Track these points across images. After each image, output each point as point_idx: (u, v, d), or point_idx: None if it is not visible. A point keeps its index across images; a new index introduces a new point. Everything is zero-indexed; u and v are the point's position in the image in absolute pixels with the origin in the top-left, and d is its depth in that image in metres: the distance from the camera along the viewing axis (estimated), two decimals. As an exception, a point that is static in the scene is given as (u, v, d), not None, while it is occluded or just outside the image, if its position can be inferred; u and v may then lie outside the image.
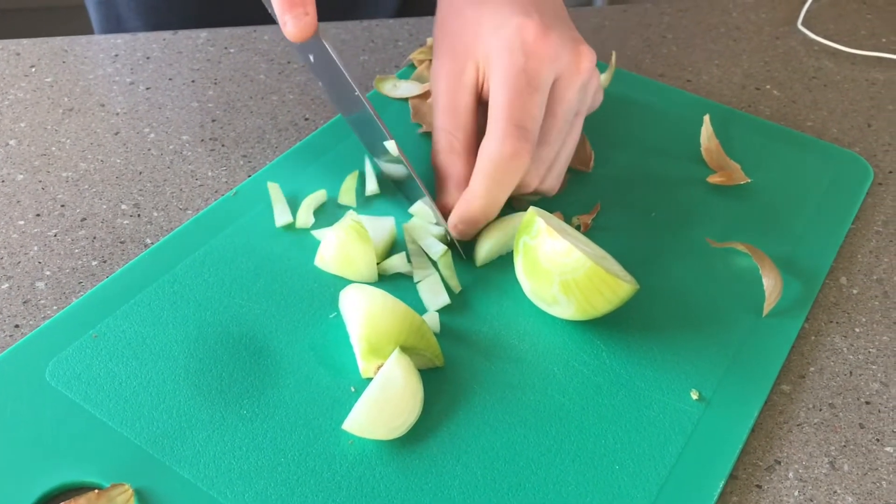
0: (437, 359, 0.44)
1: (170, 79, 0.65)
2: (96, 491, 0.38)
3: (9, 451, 0.40)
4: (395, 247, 0.51)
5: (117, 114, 0.62)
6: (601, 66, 0.66)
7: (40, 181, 0.56)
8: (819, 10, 0.78)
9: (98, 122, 0.61)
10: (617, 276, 0.44)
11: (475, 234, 0.50)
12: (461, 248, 0.51)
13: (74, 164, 0.57)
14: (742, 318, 0.48)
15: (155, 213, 0.54)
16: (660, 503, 0.40)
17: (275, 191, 0.53)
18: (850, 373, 0.47)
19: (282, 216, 0.52)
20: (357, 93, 0.49)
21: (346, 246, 0.48)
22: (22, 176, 0.56)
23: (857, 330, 0.49)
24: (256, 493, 0.39)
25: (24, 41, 0.69)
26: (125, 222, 0.53)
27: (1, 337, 0.46)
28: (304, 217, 0.52)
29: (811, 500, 0.41)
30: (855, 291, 0.51)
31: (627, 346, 0.46)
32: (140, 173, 0.57)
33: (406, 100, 0.63)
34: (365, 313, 0.43)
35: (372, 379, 0.42)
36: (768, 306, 0.48)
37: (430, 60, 0.65)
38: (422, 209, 0.52)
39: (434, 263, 0.50)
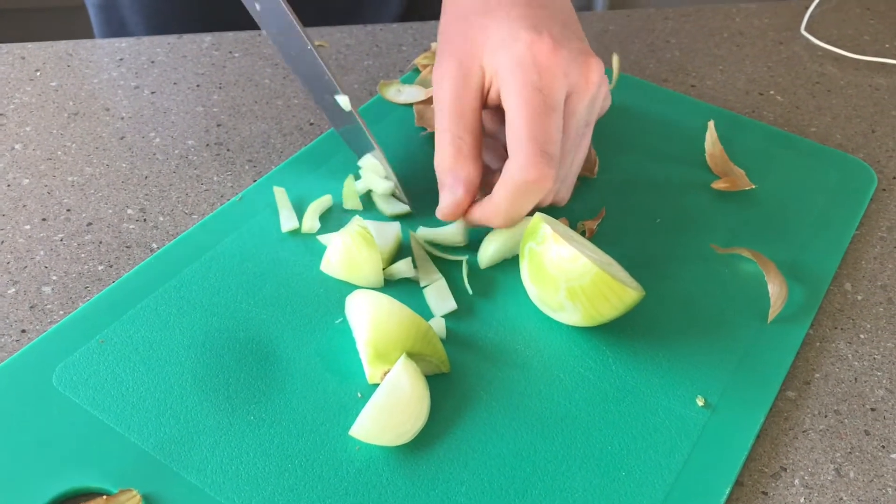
0: (444, 365, 0.45)
1: (175, 83, 0.65)
2: (104, 497, 0.38)
3: (16, 457, 0.40)
4: (400, 252, 0.51)
5: (122, 118, 0.62)
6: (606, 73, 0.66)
7: (46, 185, 0.56)
8: (822, 15, 0.78)
9: (103, 127, 0.61)
10: (623, 283, 0.44)
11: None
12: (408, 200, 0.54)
13: (80, 168, 0.57)
14: (747, 325, 0.48)
15: (161, 218, 0.54)
16: (666, 510, 0.40)
17: (280, 196, 0.53)
18: (856, 379, 0.47)
19: (287, 221, 0.52)
20: (309, 46, 0.49)
21: (352, 251, 0.48)
22: (28, 180, 0.56)
23: (862, 336, 0.49)
24: (264, 498, 0.39)
25: (29, 45, 0.69)
26: (131, 227, 0.53)
27: (8, 342, 0.46)
28: (310, 222, 0.52)
29: (817, 507, 0.41)
30: (860, 298, 0.52)
31: (633, 353, 0.46)
32: (146, 178, 0.57)
33: (410, 105, 0.63)
34: (371, 319, 0.43)
35: (378, 385, 0.42)
36: (773, 312, 0.48)
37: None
38: (371, 162, 0.53)
39: (441, 270, 0.50)
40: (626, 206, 0.56)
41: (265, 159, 0.59)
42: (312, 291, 0.48)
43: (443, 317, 0.48)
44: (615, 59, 0.63)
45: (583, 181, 0.57)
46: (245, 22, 0.72)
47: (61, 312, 0.48)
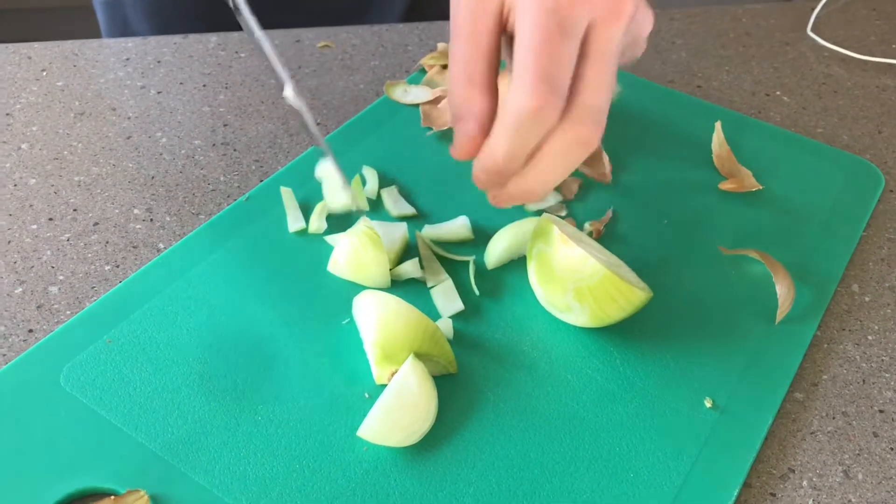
0: (451, 365, 0.45)
1: (181, 83, 0.65)
2: (112, 497, 0.38)
3: (24, 457, 0.40)
4: (407, 252, 0.51)
5: (129, 118, 0.62)
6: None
7: (52, 185, 0.56)
8: (829, 16, 0.78)
9: (110, 127, 0.61)
10: (631, 284, 0.44)
11: (501, 184, 0.45)
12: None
13: (87, 168, 0.57)
14: (755, 326, 0.48)
15: (167, 218, 0.54)
16: (674, 511, 0.40)
17: (287, 196, 0.53)
18: (864, 381, 0.47)
19: (295, 222, 0.52)
20: (256, 35, 0.45)
21: (359, 252, 0.48)
22: (34, 180, 0.56)
23: (870, 338, 0.49)
24: (271, 499, 0.39)
25: (36, 45, 0.69)
26: (138, 227, 0.53)
27: (15, 342, 0.46)
28: (317, 223, 0.52)
29: (825, 509, 0.41)
30: (867, 299, 0.51)
31: (641, 354, 0.46)
32: (152, 178, 0.57)
33: (417, 105, 0.63)
34: (378, 319, 0.43)
35: (386, 385, 0.42)
36: (781, 313, 0.48)
37: (441, 65, 0.65)
38: (327, 172, 0.48)
39: (448, 271, 0.50)
40: (633, 208, 0.55)
41: (272, 159, 0.59)
42: (319, 292, 0.48)
43: (450, 317, 0.48)
44: None
45: (590, 182, 0.57)
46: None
47: (68, 312, 0.48)
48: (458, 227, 0.52)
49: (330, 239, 0.51)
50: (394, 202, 0.54)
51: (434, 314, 0.48)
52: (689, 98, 0.65)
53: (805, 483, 0.42)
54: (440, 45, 0.68)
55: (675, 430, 0.43)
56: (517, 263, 0.51)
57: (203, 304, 0.47)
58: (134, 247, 0.52)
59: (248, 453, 0.41)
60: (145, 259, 0.51)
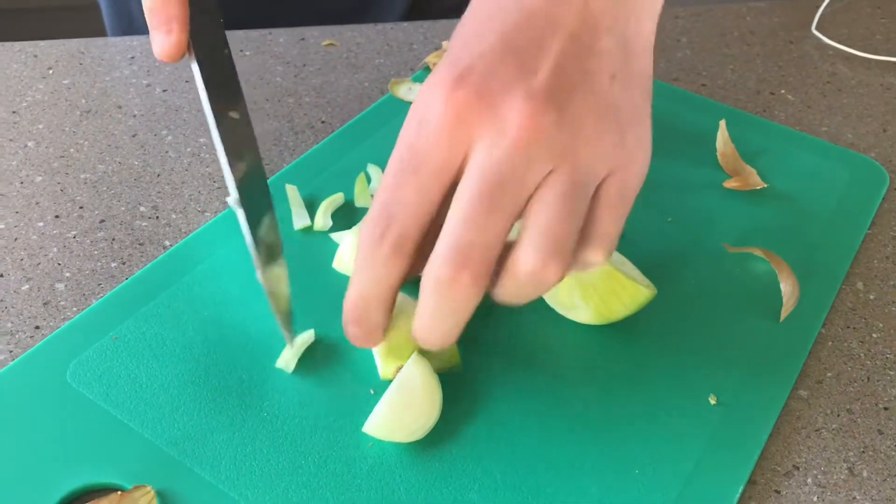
0: (455, 358, 0.45)
1: (186, 81, 0.66)
2: (119, 492, 0.38)
3: (30, 453, 0.40)
4: (412, 250, 0.51)
5: (134, 116, 0.62)
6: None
7: (59, 183, 0.56)
8: (833, 14, 0.78)
9: (115, 125, 0.61)
10: (635, 282, 0.44)
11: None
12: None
13: (93, 165, 0.58)
14: (759, 323, 0.48)
15: (173, 216, 0.54)
16: (679, 508, 0.40)
17: (293, 193, 0.53)
18: (868, 378, 0.47)
19: (300, 219, 0.52)
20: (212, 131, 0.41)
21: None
22: (41, 178, 0.56)
23: (875, 335, 0.49)
24: (277, 495, 0.39)
25: (41, 43, 0.69)
26: (144, 224, 0.53)
27: (22, 338, 0.46)
28: (322, 220, 0.52)
29: (830, 506, 0.41)
30: (872, 297, 0.51)
31: (645, 351, 0.46)
32: (158, 175, 0.57)
33: (422, 103, 0.63)
34: None
35: (391, 381, 0.43)
36: (786, 311, 0.48)
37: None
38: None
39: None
40: (637, 206, 0.55)
41: (277, 157, 0.59)
42: (324, 289, 0.49)
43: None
44: None
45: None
46: (253, 20, 0.73)
47: (75, 309, 0.48)
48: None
49: (335, 236, 0.51)
50: None
51: (439, 311, 0.48)
52: (694, 96, 0.65)
53: (810, 480, 0.42)
54: (445, 44, 0.68)
55: (680, 427, 0.43)
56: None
57: (209, 300, 0.47)
58: (140, 244, 0.52)
59: (254, 449, 0.41)
60: (151, 256, 0.51)
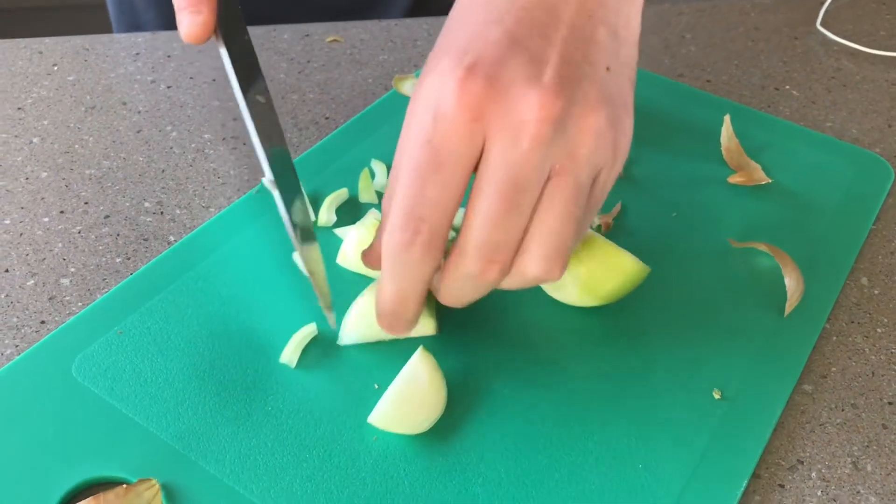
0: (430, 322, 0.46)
1: (191, 77, 0.66)
2: (124, 486, 0.38)
3: (36, 447, 0.40)
4: (416, 245, 0.51)
5: (139, 112, 0.62)
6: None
7: (64, 178, 0.56)
8: (838, 10, 0.78)
9: (120, 121, 0.61)
10: (621, 251, 0.44)
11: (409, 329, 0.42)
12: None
13: (97, 161, 0.58)
14: (763, 318, 0.48)
15: (178, 211, 0.54)
16: (683, 502, 0.40)
17: (297, 189, 0.54)
18: (873, 373, 0.47)
19: (304, 214, 0.52)
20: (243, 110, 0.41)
21: (369, 244, 0.48)
22: (46, 173, 0.57)
23: (879, 330, 0.49)
24: (282, 488, 0.39)
25: (47, 40, 0.69)
26: (148, 220, 0.54)
27: (27, 333, 0.47)
28: (326, 215, 0.52)
29: (834, 500, 0.41)
30: (876, 292, 0.51)
31: (650, 345, 0.46)
32: (163, 171, 0.57)
33: (426, 99, 0.63)
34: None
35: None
36: (790, 306, 0.48)
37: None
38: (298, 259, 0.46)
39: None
40: (642, 201, 0.55)
41: (281, 153, 0.59)
42: (329, 284, 0.49)
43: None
44: None
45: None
46: (257, 17, 0.73)
47: (80, 304, 0.48)
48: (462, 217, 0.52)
49: (339, 232, 0.52)
50: None
51: (443, 306, 0.48)
52: (699, 92, 0.65)
53: (814, 474, 0.42)
54: (449, 40, 0.68)
55: (684, 421, 0.43)
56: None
57: (213, 295, 0.48)
58: (144, 239, 0.52)
59: (259, 442, 0.41)
60: (156, 251, 0.51)
